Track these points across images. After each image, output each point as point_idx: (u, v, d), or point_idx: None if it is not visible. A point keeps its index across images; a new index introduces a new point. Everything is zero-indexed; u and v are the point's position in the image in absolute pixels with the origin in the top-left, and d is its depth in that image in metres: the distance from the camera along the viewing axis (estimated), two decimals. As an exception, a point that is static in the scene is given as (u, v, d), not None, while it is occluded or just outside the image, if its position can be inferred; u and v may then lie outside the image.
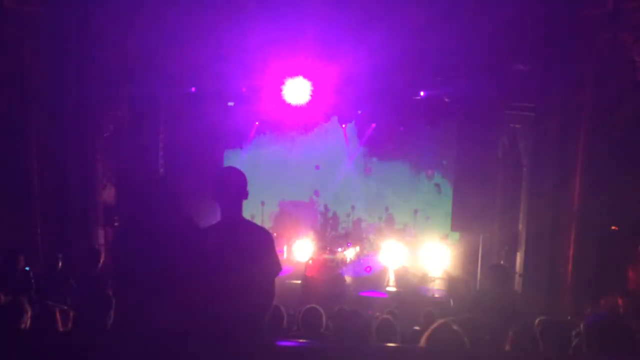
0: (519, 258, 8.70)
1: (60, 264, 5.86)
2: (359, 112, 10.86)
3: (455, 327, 2.83)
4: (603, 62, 6.85)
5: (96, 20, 7.97)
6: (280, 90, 9.97)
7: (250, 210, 12.44)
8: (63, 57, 7.58)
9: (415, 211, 13.82)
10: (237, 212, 2.92)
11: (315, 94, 10.12)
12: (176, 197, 2.88)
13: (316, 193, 14.36)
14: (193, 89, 10.15)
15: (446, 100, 10.37)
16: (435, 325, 2.89)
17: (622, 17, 6.56)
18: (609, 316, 3.46)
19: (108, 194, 9.04)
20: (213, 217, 3.06)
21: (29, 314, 3.57)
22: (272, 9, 8.30)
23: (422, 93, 10.35)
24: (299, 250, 10.97)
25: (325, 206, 13.08)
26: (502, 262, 9.17)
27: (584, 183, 7.17)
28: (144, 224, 2.84)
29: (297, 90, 9.65)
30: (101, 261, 5.98)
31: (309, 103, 9.91)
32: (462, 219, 11.00)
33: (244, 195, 2.93)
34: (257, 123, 12.08)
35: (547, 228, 7.67)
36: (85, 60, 7.97)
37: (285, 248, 10.87)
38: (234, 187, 2.91)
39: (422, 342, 2.84)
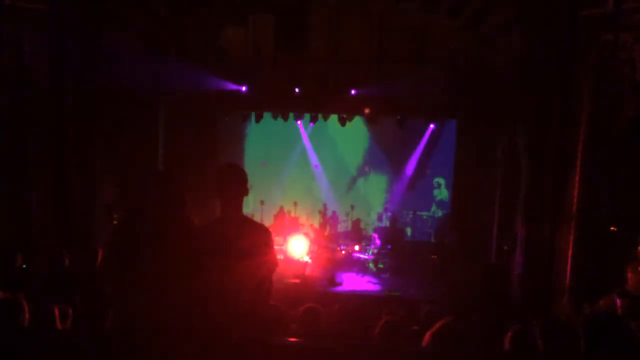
0: (518, 258, 8.70)
1: (66, 261, 5.81)
2: (366, 111, 10.84)
3: (458, 327, 2.84)
4: (603, 62, 6.85)
5: (97, 18, 7.98)
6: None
7: (250, 209, 12.44)
8: (63, 54, 7.56)
9: (414, 211, 13.83)
10: (237, 209, 2.92)
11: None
12: (176, 195, 2.87)
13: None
14: (195, 88, 10.18)
15: (446, 99, 10.40)
16: (438, 324, 2.90)
17: (623, 18, 6.55)
18: (607, 317, 3.47)
19: (107, 192, 9.03)
20: (212, 214, 3.05)
21: (27, 311, 3.56)
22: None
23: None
24: (298, 249, 10.95)
25: (325, 205, 13.07)
26: (499, 261, 9.19)
27: (583, 183, 7.17)
28: (144, 222, 2.83)
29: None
30: (99, 259, 5.96)
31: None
32: (461, 219, 11.02)
33: (244, 192, 2.92)
34: (256, 122, 12.07)
35: (546, 228, 7.67)
36: (86, 58, 7.97)
37: (284, 247, 10.86)
38: (234, 184, 2.90)
39: (425, 341, 2.84)
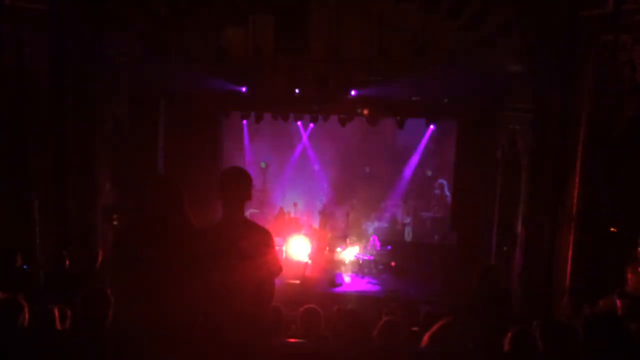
0: (518, 259, 8.70)
1: (67, 262, 5.81)
2: (360, 110, 10.83)
3: (457, 328, 2.84)
4: (603, 63, 6.85)
5: (97, 18, 7.98)
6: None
7: (250, 210, 12.43)
8: (63, 55, 7.56)
9: (415, 211, 13.82)
10: (239, 211, 2.91)
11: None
12: (176, 196, 2.86)
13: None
14: (195, 88, 10.19)
15: (445, 100, 10.40)
16: (437, 325, 2.90)
17: (623, 19, 6.55)
18: (607, 317, 3.47)
19: (107, 193, 9.03)
20: (212, 214, 3.05)
21: (26, 312, 3.56)
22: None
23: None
24: (298, 251, 10.95)
25: (325, 206, 13.06)
26: (494, 263, 9.18)
27: (583, 184, 7.17)
28: (145, 223, 2.83)
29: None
30: (99, 260, 5.96)
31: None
32: (461, 219, 11.02)
33: (248, 195, 2.92)
34: (256, 122, 12.07)
35: (546, 229, 7.67)
36: (86, 58, 7.97)
37: (284, 248, 10.86)
38: (237, 187, 2.89)
39: (424, 342, 2.84)
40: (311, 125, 12.59)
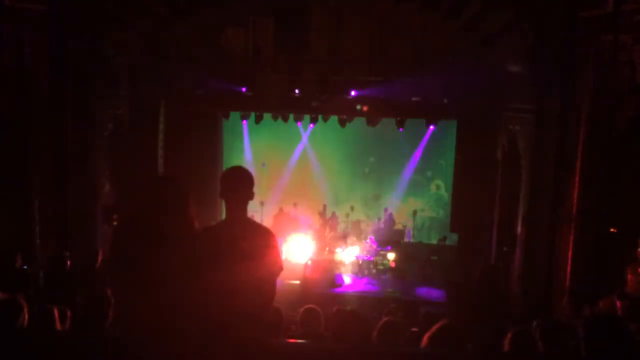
0: (518, 259, 8.70)
1: (68, 263, 5.82)
2: (358, 107, 10.82)
3: (456, 328, 2.84)
4: (603, 63, 6.85)
5: (97, 19, 7.98)
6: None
7: (250, 210, 12.42)
8: (63, 54, 7.56)
9: (414, 212, 13.82)
10: (241, 212, 2.91)
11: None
12: (179, 196, 2.86)
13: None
14: (195, 88, 10.20)
15: (445, 100, 10.40)
16: (437, 326, 2.90)
17: (623, 19, 6.55)
18: (607, 318, 3.47)
19: (107, 193, 9.03)
20: (212, 216, 3.05)
21: (26, 312, 3.56)
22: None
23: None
24: (298, 251, 10.95)
25: (324, 206, 13.05)
26: (496, 263, 9.19)
27: (583, 185, 7.17)
28: (145, 223, 2.82)
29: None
30: (99, 260, 5.97)
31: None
32: (461, 220, 11.02)
33: (250, 196, 2.92)
34: (256, 123, 12.07)
35: (546, 229, 7.67)
36: (86, 58, 7.97)
37: (284, 248, 10.85)
38: (240, 187, 2.89)
39: (424, 342, 2.84)
40: (311, 125, 12.56)
